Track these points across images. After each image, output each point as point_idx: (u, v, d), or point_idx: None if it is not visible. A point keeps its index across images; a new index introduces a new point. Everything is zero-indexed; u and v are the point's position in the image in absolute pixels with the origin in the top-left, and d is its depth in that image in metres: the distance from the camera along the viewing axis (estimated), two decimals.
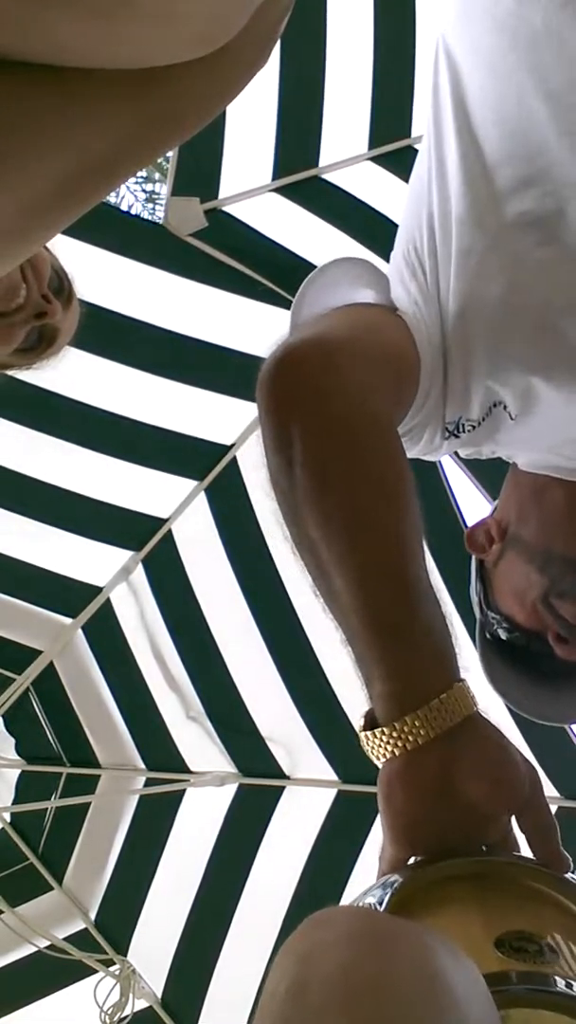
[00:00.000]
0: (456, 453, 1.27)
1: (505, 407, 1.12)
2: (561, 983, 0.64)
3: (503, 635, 1.29)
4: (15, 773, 3.68)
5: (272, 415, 0.95)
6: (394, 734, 0.83)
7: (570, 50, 1.02)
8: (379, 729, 0.84)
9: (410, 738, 0.82)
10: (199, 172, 2.70)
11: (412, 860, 0.84)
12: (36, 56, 0.54)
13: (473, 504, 2.92)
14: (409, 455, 1.13)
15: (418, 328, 1.10)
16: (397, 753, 0.82)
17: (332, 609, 0.91)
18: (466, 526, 2.96)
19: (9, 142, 0.56)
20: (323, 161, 2.72)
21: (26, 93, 0.56)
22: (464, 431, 1.14)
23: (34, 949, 3.48)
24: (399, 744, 0.82)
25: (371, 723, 0.86)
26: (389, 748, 0.83)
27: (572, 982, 0.64)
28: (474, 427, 1.15)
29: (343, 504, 0.90)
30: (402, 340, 1.09)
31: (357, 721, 0.89)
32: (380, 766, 0.85)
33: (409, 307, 1.12)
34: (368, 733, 0.85)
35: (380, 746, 0.84)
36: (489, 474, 2.74)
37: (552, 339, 1.09)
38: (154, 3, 0.52)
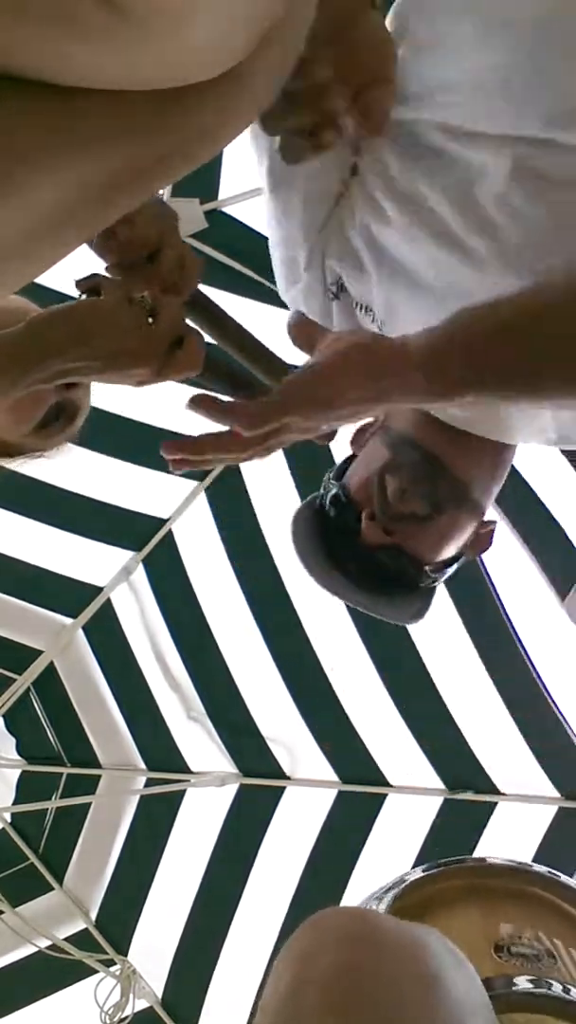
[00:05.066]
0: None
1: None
2: (560, 988, 0.64)
3: (328, 502, 1.30)
4: (16, 773, 3.68)
5: None
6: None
7: None
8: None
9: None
10: (199, 173, 2.70)
11: None
12: (43, 75, 0.54)
13: None
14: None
15: None
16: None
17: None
18: None
19: (15, 163, 0.56)
20: None
21: (34, 114, 0.55)
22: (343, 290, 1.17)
23: (35, 949, 3.49)
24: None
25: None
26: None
27: (571, 987, 0.64)
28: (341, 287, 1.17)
29: None
30: None
31: None
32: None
33: None
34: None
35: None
36: None
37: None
38: (155, 23, 0.52)
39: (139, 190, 0.62)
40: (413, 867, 0.83)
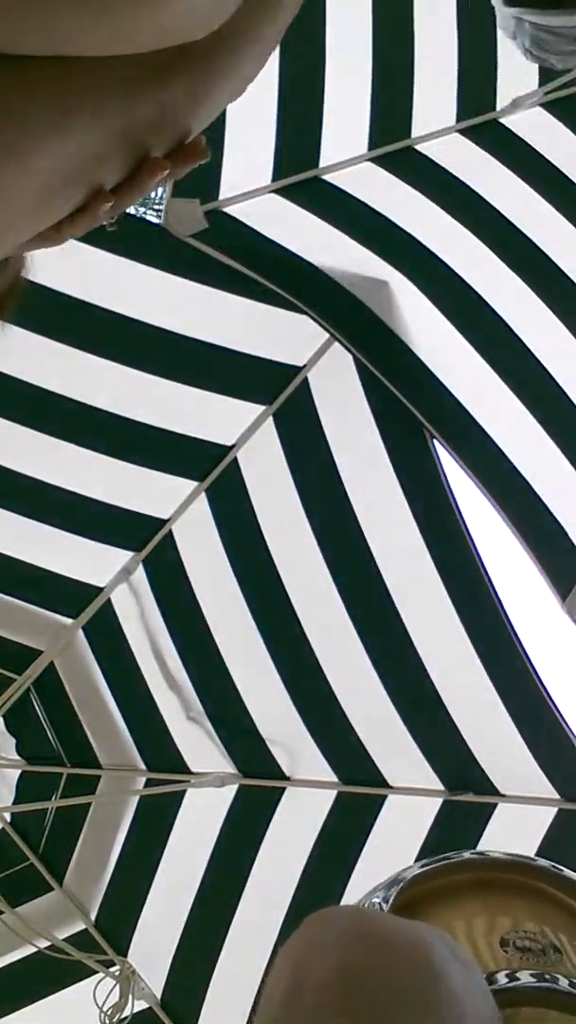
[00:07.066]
0: None
1: None
2: (565, 982, 0.64)
3: None
4: (15, 773, 3.68)
5: None
6: None
7: None
8: None
9: None
10: (199, 173, 2.70)
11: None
12: (31, 50, 0.54)
13: (471, 502, 2.92)
14: None
15: None
16: None
17: None
18: (465, 524, 2.96)
19: (4, 136, 0.55)
20: (323, 162, 2.71)
21: (19, 85, 0.55)
22: None
23: (34, 949, 3.48)
24: None
25: None
26: None
27: None
28: None
29: None
30: None
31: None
32: None
33: None
34: None
35: None
36: (489, 472, 2.74)
37: None
38: None
39: (135, 147, 0.62)
40: (418, 863, 0.82)
